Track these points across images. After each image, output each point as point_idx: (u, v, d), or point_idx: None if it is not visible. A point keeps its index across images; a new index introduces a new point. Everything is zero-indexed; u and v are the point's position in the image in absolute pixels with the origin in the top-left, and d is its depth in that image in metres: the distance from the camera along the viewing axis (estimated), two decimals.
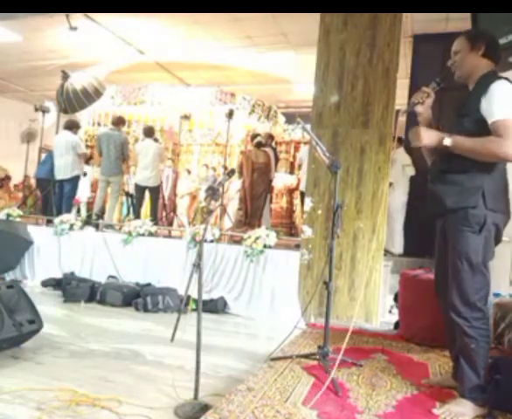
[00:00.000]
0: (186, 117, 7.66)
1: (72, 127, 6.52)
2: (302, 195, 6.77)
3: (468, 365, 2.12)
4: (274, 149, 7.36)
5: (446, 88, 2.35)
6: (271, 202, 7.51)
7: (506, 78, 2.08)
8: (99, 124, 8.50)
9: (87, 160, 7.56)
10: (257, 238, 4.46)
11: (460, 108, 2.22)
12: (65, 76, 6.26)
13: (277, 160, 7.36)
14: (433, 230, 2.43)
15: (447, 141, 2.09)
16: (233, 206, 7.66)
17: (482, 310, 2.12)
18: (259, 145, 6.50)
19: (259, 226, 5.49)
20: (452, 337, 2.27)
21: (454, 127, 2.17)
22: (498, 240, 2.20)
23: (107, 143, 6.18)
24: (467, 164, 2.09)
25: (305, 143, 9.34)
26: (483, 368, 2.12)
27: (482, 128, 2.05)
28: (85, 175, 6.90)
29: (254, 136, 6.69)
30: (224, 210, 6.54)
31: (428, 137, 2.14)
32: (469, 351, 2.11)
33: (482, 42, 2.18)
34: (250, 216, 6.33)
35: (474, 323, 2.09)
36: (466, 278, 2.11)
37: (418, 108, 2.31)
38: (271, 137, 7.28)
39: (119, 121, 6.55)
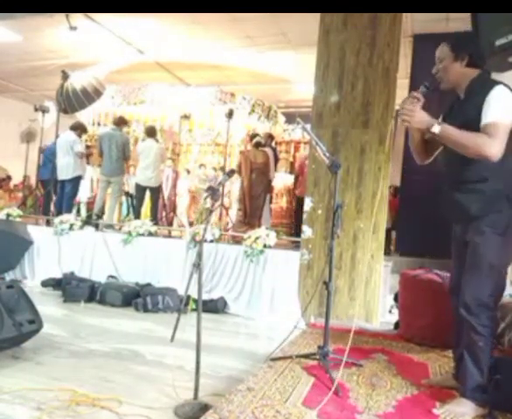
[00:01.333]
0: (186, 117, 7.66)
1: (78, 128, 6.52)
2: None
3: (474, 362, 2.13)
4: (274, 149, 7.36)
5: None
6: (271, 202, 7.50)
7: (503, 83, 2.11)
8: (99, 124, 8.50)
9: (87, 159, 7.54)
10: (257, 238, 4.46)
11: (457, 115, 2.23)
12: (65, 76, 6.26)
13: (277, 160, 7.35)
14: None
15: (436, 128, 2.08)
16: (235, 206, 7.65)
17: (494, 309, 2.15)
18: (257, 145, 6.48)
19: (259, 226, 5.48)
20: (458, 337, 2.28)
21: None
22: None
23: (109, 143, 6.17)
24: (486, 173, 2.11)
25: (305, 143, 9.35)
26: (487, 367, 2.13)
27: None
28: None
29: (253, 136, 6.68)
30: (225, 210, 6.54)
31: (419, 119, 2.13)
32: (476, 349, 2.12)
33: (465, 53, 2.20)
34: (249, 216, 6.31)
35: (486, 322, 2.11)
36: (484, 279, 2.12)
37: None
38: (270, 137, 7.27)
39: (120, 121, 6.54)
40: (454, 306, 2.32)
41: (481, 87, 2.13)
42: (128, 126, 8.59)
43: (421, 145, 2.38)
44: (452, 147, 2.10)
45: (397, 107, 3.98)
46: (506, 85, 2.11)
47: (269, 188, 6.90)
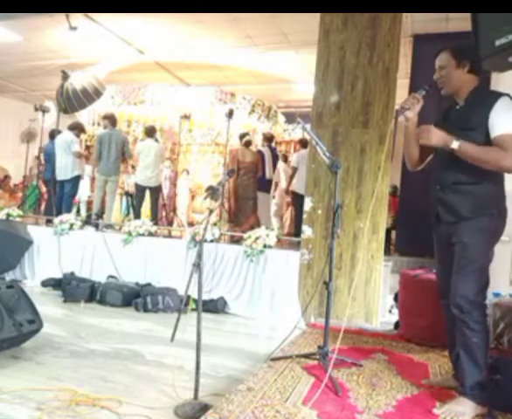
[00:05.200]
0: (186, 117, 7.66)
1: (75, 128, 6.51)
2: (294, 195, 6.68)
3: (470, 359, 2.14)
4: (274, 149, 7.34)
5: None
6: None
7: (508, 95, 2.16)
8: (98, 124, 8.50)
9: (86, 158, 7.53)
10: (257, 238, 4.46)
11: (456, 121, 2.25)
12: (65, 76, 6.26)
13: (276, 159, 7.34)
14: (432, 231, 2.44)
15: (455, 144, 2.12)
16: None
17: (484, 304, 2.19)
18: (247, 144, 6.36)
19: (251, 226, 5.44)
20: (452, 339, 2.30)
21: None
22: None
23: (109, 143, 6.17)
24: (479, 176, 2.14)
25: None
26: (484, 363, 2.14)
27: (491, 141, 2.12)
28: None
29: (243, 135, 6.58)
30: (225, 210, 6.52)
31: (437, 137, 2.17)
32: (472, 345, 2.14)
33: (467, 59, 2.25)
34: (234, 215, 6.21)
35: (478, 318, 2.14)
36: (473, 279, 2.15)
37: (408, 114, 2.34)
38: (266, 138, 7.18)
39: (115, 120, 6.51)
40: (445, 310, 2.34)
41: (486, 97, 2.18)
42: (128, 125, 8.61)
43: (415, 151, 2.40)
44: (469, 161, 2.12)
45: (397, 107, 3.98)
46: (508, 95, 2.16)
47: (267, 188, 6.87)
